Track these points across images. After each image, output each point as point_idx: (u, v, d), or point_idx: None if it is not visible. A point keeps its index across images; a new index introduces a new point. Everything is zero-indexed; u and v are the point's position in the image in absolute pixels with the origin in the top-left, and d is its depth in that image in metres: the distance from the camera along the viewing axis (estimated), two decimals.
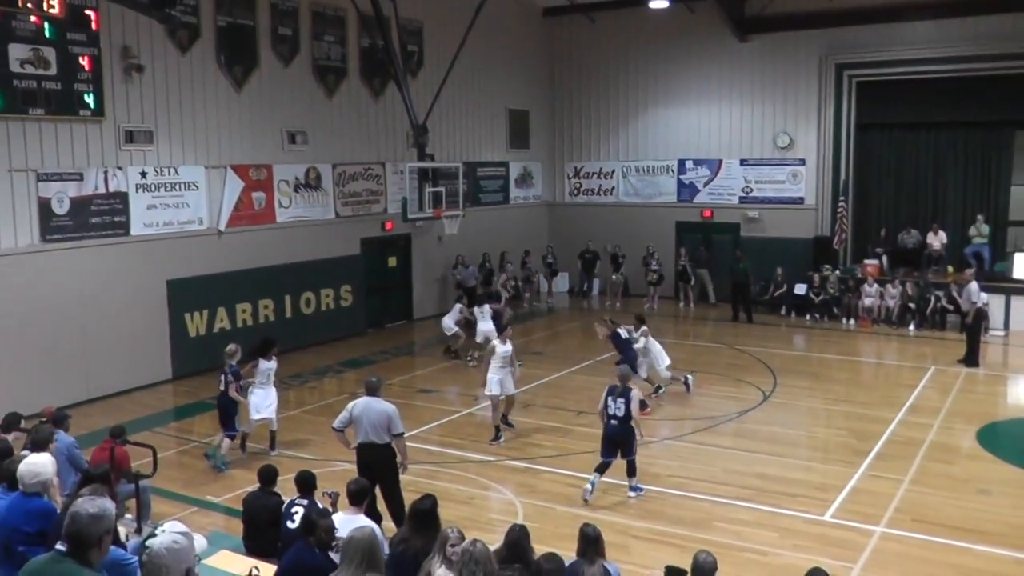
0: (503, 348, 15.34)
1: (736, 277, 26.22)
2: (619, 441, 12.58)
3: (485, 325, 19.85)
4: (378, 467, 10.78)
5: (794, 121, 28.30)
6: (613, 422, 12.57)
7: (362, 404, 10.94)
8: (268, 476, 9.69)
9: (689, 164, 29.76)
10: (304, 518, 8.13)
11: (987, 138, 27.62)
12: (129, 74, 18.35)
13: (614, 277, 28.88)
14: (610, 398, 12.63)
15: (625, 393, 12.58)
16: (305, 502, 8.85)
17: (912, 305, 24.84)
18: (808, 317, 26.02)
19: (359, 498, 8.74)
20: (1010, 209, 27.62)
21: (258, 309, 21.38)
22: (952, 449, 14.78)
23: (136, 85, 18.55)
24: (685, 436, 15.34)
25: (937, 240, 26.59)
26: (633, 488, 12.64)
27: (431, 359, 21.50)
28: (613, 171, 31.05)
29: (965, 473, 13.62)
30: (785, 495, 12.57)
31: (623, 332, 17.28)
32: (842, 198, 27.24)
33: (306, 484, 9.08)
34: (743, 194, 29.11)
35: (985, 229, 26.23)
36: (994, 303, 23.84)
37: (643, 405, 14.05)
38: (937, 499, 12.49)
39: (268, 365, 14.45)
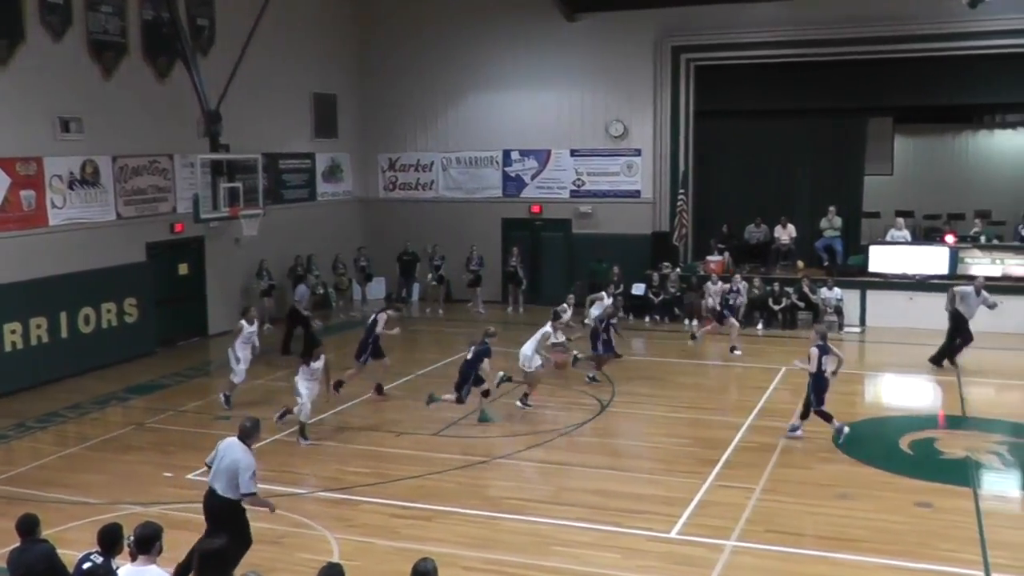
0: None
1: (595, 278, 26.50)
2: None
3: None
4: (217, 522, 10.31)
5: (628, 108, 28.87)
6: None
7: (226, 444, 10.55)
8: (28, 526, 9.11)
9: (515, 155, 29.99)
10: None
11: (838, 126, 28.90)
12: None
13: (430, 279, 28.81)
14: None
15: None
16: (100, 560, 8.36)
17: (771, 303, 25.68)
18: (647, 319, 26.58)
19: (146, 545, 8.30)
20: (864, 200, 28.93)
21: (29, 329, 20.19)
22: (808, 453, 15.26)
23: None
24: (518, 453, 15.34)
25: (786, 234, 27.57)
26: None
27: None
28: (432, 163, 30.99)
29: (821, 478, 14.06)
30: (628, 512, 12.71)
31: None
32: (681, 191, 27.87)
33: (108, 541, 8.56)
34: (574, 187, 29.53)
35: (837, 221, 27.35)
36: (849, 299, 24.96)
37: None
38: (792, 507, 12.87)
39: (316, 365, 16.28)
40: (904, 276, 25.51)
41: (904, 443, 15.82)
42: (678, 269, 27.37)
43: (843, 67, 27.22)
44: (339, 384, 18.14)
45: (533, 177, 29.95)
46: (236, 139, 24.93)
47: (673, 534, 12.01)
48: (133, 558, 8.41)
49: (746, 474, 14.16)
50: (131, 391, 20.08)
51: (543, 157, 29.77)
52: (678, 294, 26.59)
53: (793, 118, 28.97)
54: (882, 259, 26.09)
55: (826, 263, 27.32)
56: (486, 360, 17.01)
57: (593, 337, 20.13)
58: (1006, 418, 17.07)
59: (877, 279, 25.69)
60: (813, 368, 15.44)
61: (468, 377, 16.93)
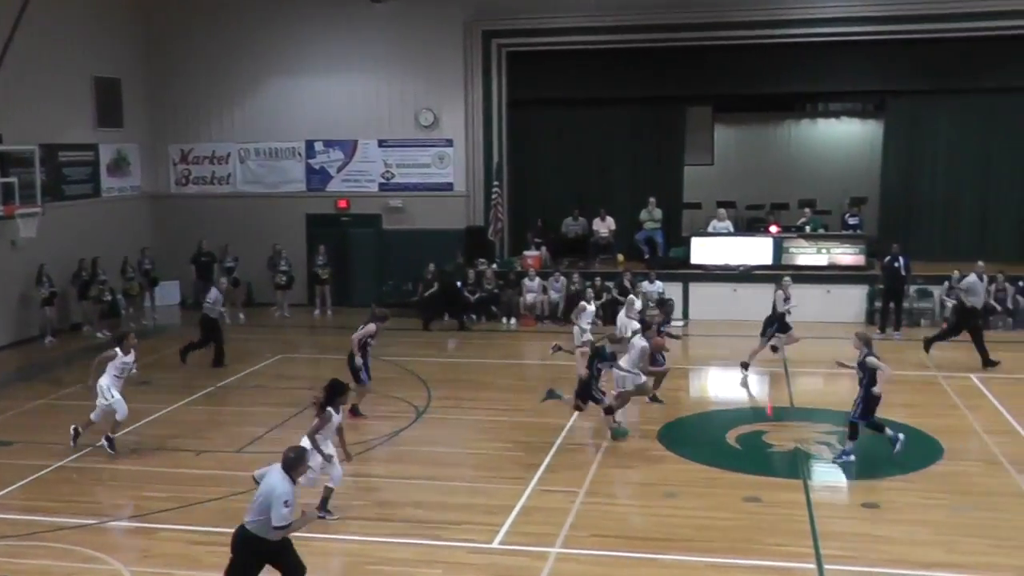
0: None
1: (452, 277, 26.53)
2: None
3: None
4: (237, 556, 9.77)
5: (438, 96, 28.96)
6: None
7: (268, 470, 9.90)
8: None
9: (319, 146, 29.72)
10: None
11: (657, 115, 29.64)
12: None
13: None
14: None
15: None
16: None
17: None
18: (463, 318, 26.64)
19: None
20: (683, 191, 29.74)
21: None
22: (631, 453, 15.60)
23: None
24: None
25: (605, 227, 28.14)
26: None
27: (9, 401, 19.93)
28: (229, 155, 30.36)
29: (647, 477, 14.39)
30: (448, 524, 12.74)
31: None
32: (496, 183, 28.16)
33: None
34: (383, 180, 29.45)
35: (658, 213, 28.10)
36: (671, 292, 25.55)
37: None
38: (618, 509, 13.19)
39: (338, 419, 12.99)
40: (727, 267, 26.36)
41: (731, 437, 16.32)
42: (494, 265, 27.58)
43: (661, 54, 27.93)
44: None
45: (339, 170, 29.72)
46: (9, 128, 24.06)
47: (496, 544, 12.09)
48: None
49: (569, 477, 14.36)
50: None
51: (349, 148, 29.57)
52: (495, 291, 26.78)
53: (610, 107, 29.56)
54: (704, 251, 26.92)
55: (647, 256, 27.97)
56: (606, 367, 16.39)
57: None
58: (835, 408, 17.78)
59: (699, 271, 26.45)
60: (888, 374, 14.83)
61: (589, 389, 16.22)
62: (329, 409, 12.67)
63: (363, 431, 16.70)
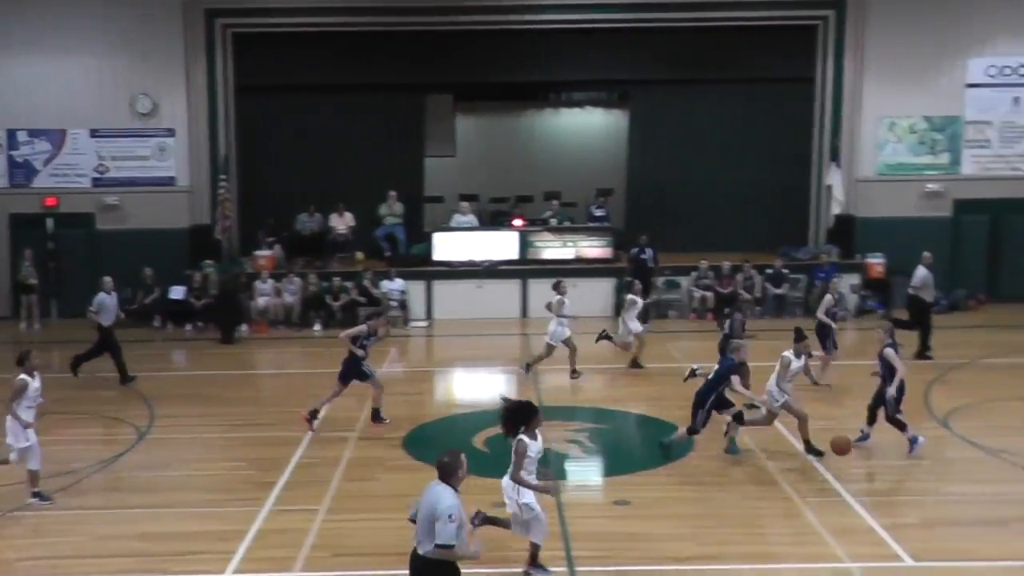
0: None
1: (227, 286, 25.70)
2: None
3: None
4: None
5: (157, 81, 28.28)
6: None
7: (427, 488, 9.17)
8: None
9: (23, 136, 28.50)
10: None
11: (395, 104, 29.78)
12: None
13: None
14: None
15: None
16: None
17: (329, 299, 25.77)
18: (189, 327, 26.11)
19: None
20: (425, 184, 29.85)
21: None
22: (374, 463, 15.51)
23: None
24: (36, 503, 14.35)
25: (343, 223, 28.00)
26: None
27: None
28: None
29: (390, 489, 14.28)
30: (176, 556, 12.25)
31: None
32: (223, 177, 27.65)
33: None
34: (97, 174, 28.46)
35: (398, 207, 28.16)
36: (413, 290, 25.61)
37: None
38: (361, 524, 13.03)
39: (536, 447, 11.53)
40: (471, 263, 26.55)
41: (479, 441, 16.41)
42: None
43: (398, 38, 28.04)
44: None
45: (46, 163, 28.54)
46: None
47: (229, 573, 11.73)
48: None
49: (309, 494, 14.13)
50: None
51: (57, 138, 28.44)
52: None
53: (347, 94, 29.43)
54: (447, 246, 27.10)
55: (387, 253, 27.94)
56: (735, 379, 15.33)
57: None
58: (585, 404, 18.07)
59: (442, 268, 26.55)
60: (902, 371, 15.18)
61: (704, 401, 15.25)
62: (522, 437, 11.48)
63: (75, 459, 15.90)
